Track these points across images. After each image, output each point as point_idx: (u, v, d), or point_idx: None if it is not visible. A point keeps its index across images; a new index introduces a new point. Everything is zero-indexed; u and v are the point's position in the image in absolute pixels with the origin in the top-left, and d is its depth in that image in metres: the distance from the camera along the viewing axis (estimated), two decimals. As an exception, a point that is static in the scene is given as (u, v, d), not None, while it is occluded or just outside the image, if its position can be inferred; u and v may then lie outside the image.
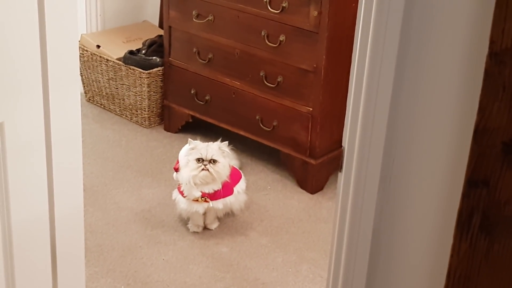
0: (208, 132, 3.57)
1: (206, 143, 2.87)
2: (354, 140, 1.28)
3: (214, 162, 2.80)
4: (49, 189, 1.97)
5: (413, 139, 1.20)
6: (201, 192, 2.83)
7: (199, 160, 2.79)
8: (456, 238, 1.10)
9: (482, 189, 1.05)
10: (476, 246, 1.08)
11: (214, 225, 2.99)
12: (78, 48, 1.92)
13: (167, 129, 3.79)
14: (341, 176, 1.33)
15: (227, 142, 2.92)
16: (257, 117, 3.36)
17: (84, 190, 3.15)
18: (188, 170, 2.80)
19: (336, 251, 1.34)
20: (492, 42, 0.99)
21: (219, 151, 2.83)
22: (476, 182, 1.06)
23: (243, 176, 3.06)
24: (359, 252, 1.28)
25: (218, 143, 2.87)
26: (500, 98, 1.01)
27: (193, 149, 2.83)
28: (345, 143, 1.31)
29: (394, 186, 1.25)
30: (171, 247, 2.86)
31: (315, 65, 3.08)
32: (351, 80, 1.29)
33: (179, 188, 2.91)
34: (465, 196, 1.07)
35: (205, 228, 2.98)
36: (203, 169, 2.78)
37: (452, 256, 1.11)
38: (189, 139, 2.90)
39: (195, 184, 2.81)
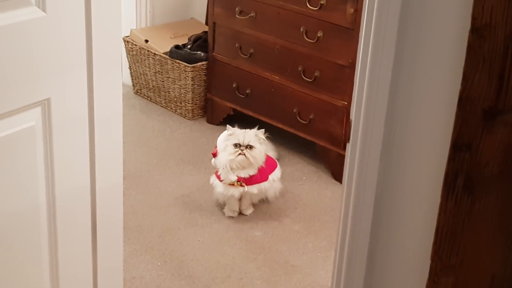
0: (249, 124, 3.68)
1: (244, 130, 3.02)
2: (359, 113, 1.41)
3: (250, 147, 2.95)
4: (91, 164, 2.12)
5: (411, 112, 1.32)
6: (237, 176, 2.98)
7: (236, 145, 2.95)
8: (443, 198, 1.21)
9: (465, 152, 1.17)
10: (460, 204, 1.19)
11: (249, 211, 3.13)
12: (121, 34, 2.08)
13: (210, 121, 3.95)
14: (349, 146, 1.45)
15: (263, 130, 3.06)
16: (295, 110, 3.49)
17: (128, 175, 3.34)
18: (225, 155, 2.96)
19: (343, 214, 1.46)
20: (473, 18, 1.10)
21: (256, 137, 2.97)
22: (460, 146, 1.17)
23: (278, 165, 3.20)
24: (363, 213, 1.41)
25: (255, 130, 3.02)
26: (481, 69, 1.12)
27: (231, 135, 2.98)
28: (352, 116, 1.43)
29: (395, 154, 1.37)
30: (207, 229, 3.01)
31: (350, 61, 3.20)
32: (357, 59, 1.41)
33: (216, 173, 3.06)
34: (451, 159, 1.18)
35: (240, 213, 3.12)
36: (240, 154, 2.94)
37: (439, 214, 1.22)
38: (228, 126, 3.05)
39: (231, 168, 2.96)
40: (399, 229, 1.38)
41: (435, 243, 1.24)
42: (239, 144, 2.95)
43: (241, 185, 3.00)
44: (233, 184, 3.00)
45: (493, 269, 1.22)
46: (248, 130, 3.02)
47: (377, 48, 1.33)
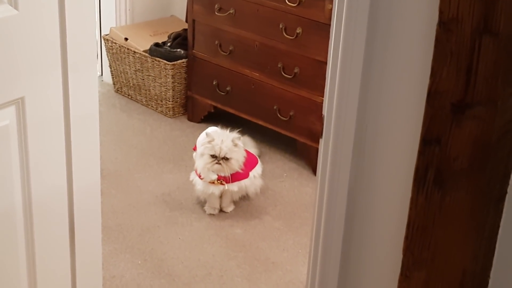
0: (229, 122, 3.69)
1: (221, 137, 2.98)
2: (332, 109, 1.40)
3: (226, 159, 2.94)
4: (68, 163, 2.11)
5: (382, 107, 1.32)
6: (217, 175, 2.98)
7: (213, 155, 2.94)
8: (414, 192, 1.21)
9: (435, 146, 1.17)
10: (430, 198, 1.19)
11: (229, 208, 3.13)
12: (96, 33, 2.07)
13: (190, 119, 3.94)
14: (322, 142, 1.45)
15: (240, 136, 3.03)
16: (275, 107, 3.49)
17: (108, 174, 3.33)
18: (202, 162, 2.96)
19: (317, 208, 1.46)
20: (440, 12, 1.10)
21: (233, 147, 2.95)
22: (430, 140, 1.17)
23: (259, 162, 3.20)
24: (337, 208, 1.41)
25: (232, 136, 2.99)
26: (448, 63, 1.12)
27: (210, 142, 2.96)
28: (325, 112, 1.43)
29: (367, 149, 1.37)
30: (188, 227, 3.01)
31: (330, 57, 3.20)
32: (329, 55, 1.41)
33: (196, 171, 3.06)
34: (421, 153, 1.18)
35: (221, 211, 3.12)
36: (216, 163, 2.94)
37: (410, 208, 1.22)
38: (206, 132, 3.03)
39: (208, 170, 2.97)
40: (372, 224, 1.38)
41: (406, 237, 1.24)
42: (215, 155, 2.95)
43: (221, 183, 2.99)
44: (213, 182, 3.00)
45: (464, 264, 1.22)
46: (226, 136, 2.98)
47: (348, 44, 1.33)
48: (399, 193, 1.31)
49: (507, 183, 1.20)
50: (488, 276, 1.22)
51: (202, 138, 3.10)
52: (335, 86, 1.38)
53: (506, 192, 1.20)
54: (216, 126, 3.23)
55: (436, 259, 1.23)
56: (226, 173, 2.97)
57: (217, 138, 2.97)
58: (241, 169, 3.01)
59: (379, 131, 1.33)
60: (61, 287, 2.21)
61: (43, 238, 2.07)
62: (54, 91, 1.97)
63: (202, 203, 3.15)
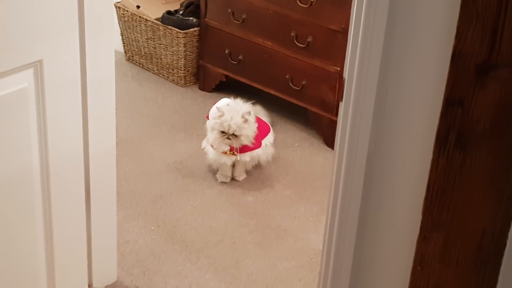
0: (241, 91, 3.69)
1: (231, 113, 2.96)
2: (353, 73, 1.41)
3: (235, 136, 2.95)
4: (84, 127, 2.12)
5: (404, 69, 1.33)
6: (230, 146, 2.99)
7: (223, 132, 2.95)
8: (435, 154, 1.22)
9: (457, 108, 1.17)
10: (452, 160, 1.20)
11: (241, 177, 3.14)
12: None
13: (202, 88, 3.94)
14: (341, 105, 1.46)
15: (250, 111, 3.02)
16: (287, 77, 3.49)
17: (120, 142, 3.35)
18: (213, 137, 2.98)
19: (336, 171, 1.48)
20: (467, -28, 1.11)
21: (242, 124, 2.94)
22: (453, 102, 1.17)
23: (271, 130, 3.21)
24: (356, 171, 1.42)
25: (243, 111, 2.98)
26: (474, 25, 1.12)
27: (220, 116, 2.96)
28: (345, 75, 1.44)
29: (388, 112, 1.37)
30: (200, 195, 3.03)
31: (344, 26, 3.19)
32: (351, 17, 1.41)
33: (209, 140, 3.07)
34: (443, 115, 1.19)
35: (233, 179, 3.13)
36: (227, 138, 2.95)
37: (431, 170, 1.23)
38: (217, 107, 3.02)
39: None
40: (391, 186, 1.40)
41: (426, 199, 1.25)
42: (225, 132, 2.96)
43: (233, 154, 3.01)
44: (225, 152, 3.01)
45: (483, 225, 1.23)
46: (236, 112, 2.97)
47: (371, 6, 1.33)
48: (419, 155, 1.32)
49: (528, 146, 1.20)
50: (507, 238, 1.24)
51: (214, 110, 3.09)
52: (357, 48, 1.38)
53: (527, 155, 1.21)
54: (227, 96, 3.22)
55: (455, 220, 1.24)
56: (237, 145, 2.98)
57: (227, 113, 2.96)
58: (252, 144, 3.02)
59: (401, 93, 1.33)
60: (77, 251, 2.24)
61: (59, 201, 2.09)
62: (71, 55, 1.99)
63: (214, 171, 3.17)
